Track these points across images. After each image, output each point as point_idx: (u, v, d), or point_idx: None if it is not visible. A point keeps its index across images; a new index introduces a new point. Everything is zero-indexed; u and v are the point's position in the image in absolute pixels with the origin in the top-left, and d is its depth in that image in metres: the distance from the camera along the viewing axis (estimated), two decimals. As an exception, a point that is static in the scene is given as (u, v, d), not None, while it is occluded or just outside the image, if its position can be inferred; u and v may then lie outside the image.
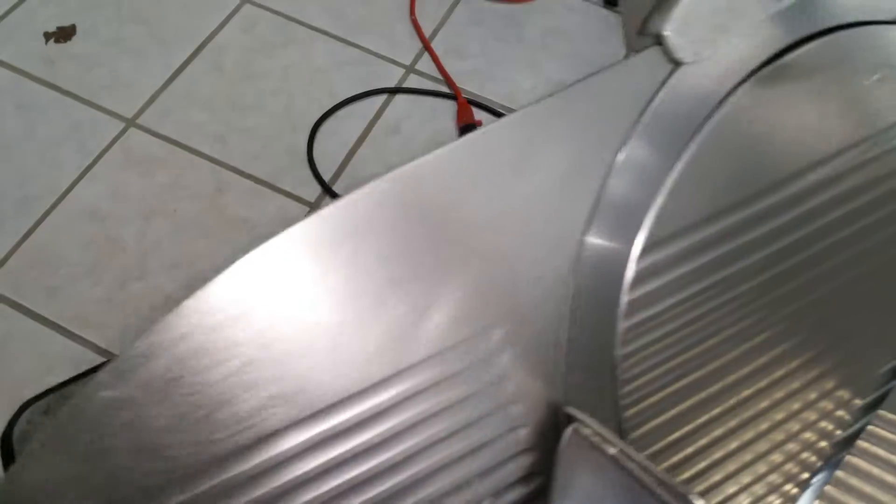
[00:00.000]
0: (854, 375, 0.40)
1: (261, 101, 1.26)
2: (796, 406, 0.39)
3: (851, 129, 0.34)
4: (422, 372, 0.31)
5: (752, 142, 0.33)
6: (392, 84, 1.31)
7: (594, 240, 0.31)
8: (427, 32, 1.38)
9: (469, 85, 1.31)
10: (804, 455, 0.40)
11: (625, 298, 0.32)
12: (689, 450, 0.36)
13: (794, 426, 0.39)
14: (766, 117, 0.33)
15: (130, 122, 1.23)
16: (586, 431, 0.31)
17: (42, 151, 1.19)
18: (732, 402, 0.37)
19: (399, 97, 1.30)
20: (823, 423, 0.40)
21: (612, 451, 0.30)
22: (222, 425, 0.31)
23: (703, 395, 0.35)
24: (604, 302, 0.32)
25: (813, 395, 0.38)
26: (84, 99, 1.25)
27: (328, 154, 1.22)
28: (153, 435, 0.30)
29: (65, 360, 1.01)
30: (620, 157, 0.31)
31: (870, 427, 0.41)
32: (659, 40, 0.30)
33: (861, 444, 0.41)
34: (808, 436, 0.40)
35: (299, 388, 0.32)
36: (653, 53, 0.30)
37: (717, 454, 0.37)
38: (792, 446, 0.39)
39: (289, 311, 0.31)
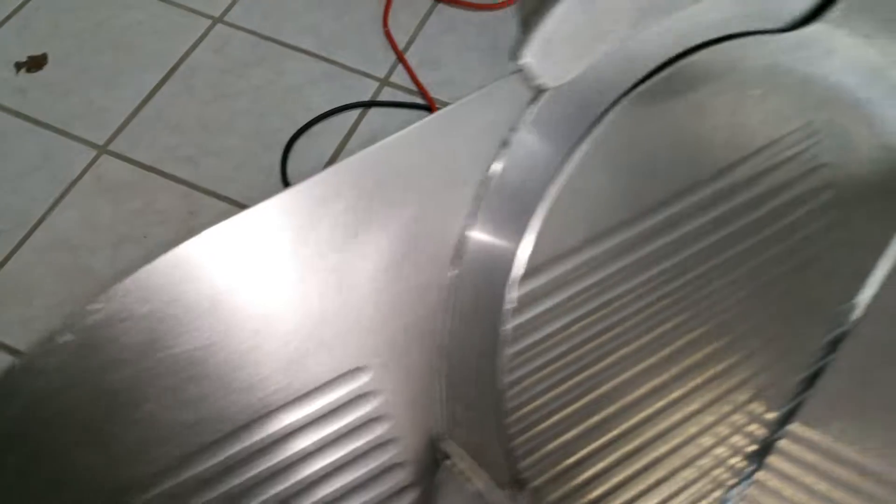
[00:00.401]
0: (765, 388, 0.38)
1: (233, 121, 1.25)
2: (709, 420, 0.37)
3: (738, 145, 0.32)
4: (306, 405, 0.30)
5: (633, 161, 0.31)
6: (367, 97, 1.30)
7: (476, 248, 0.30)
8: (401, 44, 1.37)
9: (444, 95, 1.30)
10: (716, 472, 0.38)
11: (507, 326, 0.30)
12: (588, 473, 0.34)
13: (707, 441, 0.37)
14: (645, 136, 0.31)
15: (102, 150, 1.22)
16: (460, 467, 0.29)
17: (14, 182, 1.18)
18: (633, 421, 0.35)
19: (374, 111, 1.29)
20: (736, 438, 0.38)
21: (478, 486, 0.28)
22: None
23: (597, 417, 0.33)
24: (485, 331, 0.30)
25: (726, 409, 0.37)
26: (56, 128, 1.24)
27: (303, 171, 1.21)
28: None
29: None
30: (485, 189, 0.29)
31: (781, 442, 0.40)
32: (521, 67, 0.29)
33: (772, 459, 0.39)
34: (721, 451, 0.38)
35: (196, 419, 0.30)
36: (518, 78, 0.29)
37: (620, 476, 0.35)
38: (704, 461, 0.37)
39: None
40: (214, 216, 1.14)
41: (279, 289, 0.30)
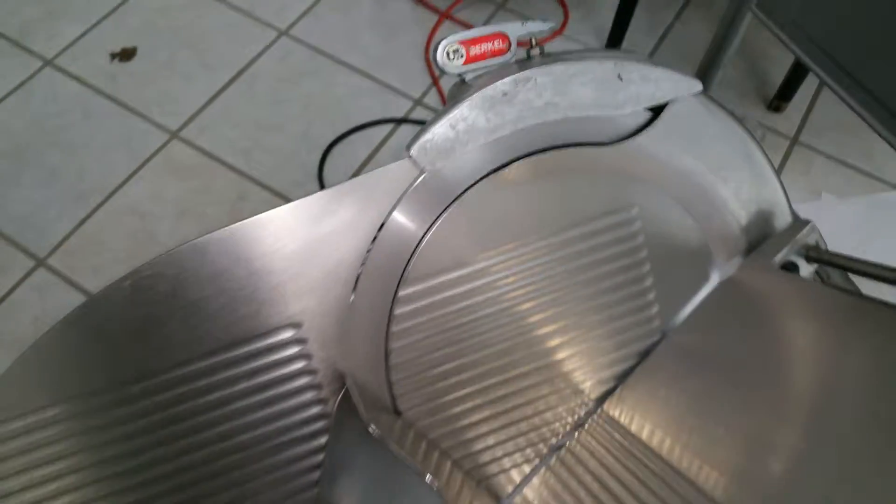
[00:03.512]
0: (589, 375, 0.57)
1: (284, 123, 1.47)
2: (545, 390, 0.55)
3: (572, 215, 0.52)
4: (254, 343, 0.49)
5: (489, 218, 0.50)
6: (400, 115, 1.50)
7: (374, 263, 0.49)
8: (438, 70, 1.56)
9: (467, 120, 1.49)
10: (543, 430, 0.57)
11: (394, 312, 0.50)
12: (453, 425, 0.54)
13: (541, 405, 0.56)
14: (497, 204, 0.51)
15: (174, 135, 1.45)
16: (355, 396, 0.49)
17: (98, 154, 1.42)
18: (487, 383, 0.53)
19: (405, 127, 1.49)
20: (561, 409, 0.57)
21: (370, 428, 0.47)
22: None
23: (460, 377, 0.52)
24: (376, 315, 0.50)
25: (559, 384, 0.55)
26: (137, 111, 1.47)
27: (336, 173, 1.42)
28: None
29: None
30: (384, 231, 0.49)
31: (591, 418, 0.58)
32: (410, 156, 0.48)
33: (584, 431, 0.57)
34: (548, 415, 0.56)
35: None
36: (406, 162, 0.49)
37: (471, 418, 0.54)
38: (535, 420, 0.56)
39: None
40: (259, 202, 1.36)
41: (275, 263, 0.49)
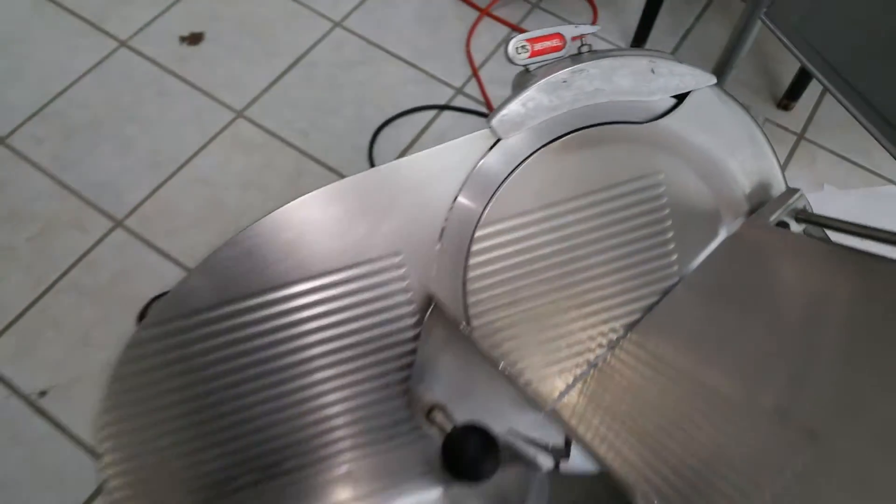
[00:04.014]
0: (620, 305, 0.71)
1: (338, 107, 1.62)
2: (584, 316, 0.70)
3: (611, 177, 0.68)
4: (365, 266, 0.64)
5: (547, 178, 0.65)
6: (443, 102, 1.65)
7: (458, 209, 0.64)
8: (477, 62, 1.72)
9: (503, 109, 1.64)
10: (582, 348, 0.72)
11: (471, 249, 0.65)
12: (513, 338, 0.69)
13: (580, 328, 0.71)
14: (553, 167, 0.66)
15: (239, 114, 1.60)
16: (440, 309, 0.64)
17: (171, 129, 1.57)
18: (539, 306, 0.68)
19: (447, 113, 1.64)
20: (596, 331, 0.71)
21: (461, 327, 0.62)
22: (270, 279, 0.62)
23: (518, 299, 0.67)
24: (458, 251, 0.65)
25: (597, 311, 0.70)
26: (206, 91, 1.63)
27: (384, 153, 1.57)
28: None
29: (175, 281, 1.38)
30: (466, 186, 0.64)
31: (621, 342, 0.74)
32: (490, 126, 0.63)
33: (613, 352, 0.73)
34: (586, 336, 0.71)
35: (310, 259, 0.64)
36: (486, 132, 0.63)
37: (530, 337, 0.69)
38: (580, 336, 0.71)
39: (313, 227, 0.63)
40: (317, 177, 1.52)
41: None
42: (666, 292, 0.74)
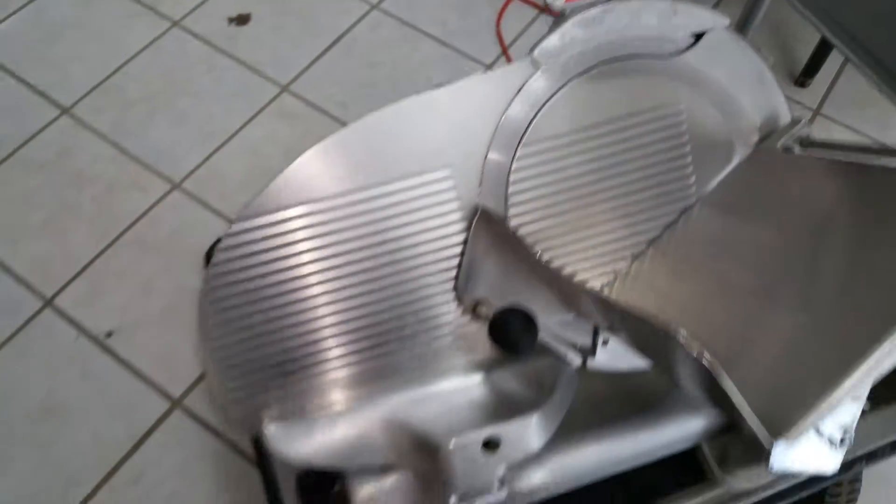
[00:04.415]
0: (643, 221, 0.80)
1: (376, 82, 1.73)
2: (611, 227, 0.80)
3: (636, 104, 0.77)
4: (420, 177, 0.74)
5: (578, 102, 0.75)
6: (474, 79, 1.75)
7: (502, 131, 0.75)
8: (507, 41, 1.82)
9: (531, 84, 1.74)
10: (609, 257, 0.80)
11: (513, 166, 0.75)
12: (549, 242, 0.79)
13: (607, 238, 0.80)
14: (586, 95, 0.75)
15: (284, 88, 1.72)
16: (492, 216, 0.74)
17: (221, 102, 1.69)
18: (572, 216, 0.78)
19: (478, 89, 1.74)
20: (621, 245, 0.80)
21: (510, 226, 0.72)
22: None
23: (556, 209, 0.77)
24: (502, 167, 0.75)
25: (623, 224, 0.79)
26: (253, 68, 1.74)
27: (420, 124, 1.67)
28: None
29: (228, 240, 1.50)
30: (509, 110, 0.74)
31: (643, 254, 0.82)
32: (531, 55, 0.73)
33: (636, 262, 0.83)
34: (613, 248, 0.79)
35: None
36: (528, 61, 0.73)
37: (566, 246, 0.79)
38: (606, 248, 0.80)
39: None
40: (357, 144, 1.62)
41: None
42: (684, 212, 0.83)
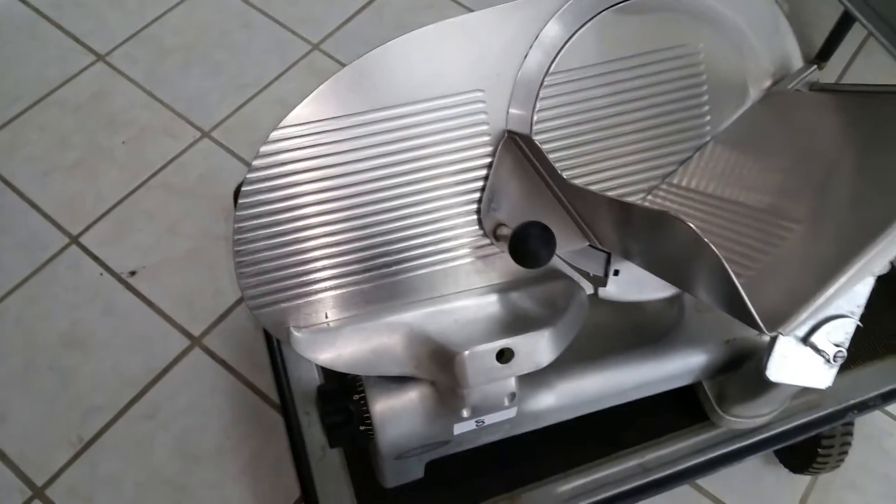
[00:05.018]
0: (659, 157, 0.83)
1: (406, 44, 1.75)
2: (630, 160, 0.82)
3: (660, 40, 0.79)
4: (452, 97, 0.76)
5: (604, 36, 0.78)
6: (502, 47, 1.77)
7: (531, 59, 0.77)
8: None
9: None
10: (624, 190, 0.83)
11: (540, 94, 0.77)
12: (570, 171, 0.82)
13: (624, 171, 0.82)
14: (615, 29, 0.77)
15: (315, 47, 1.75)
16: (520, 137, 0.76)
17: (256, 57, 1.72)
18: (594, 146, 0.80)
19: (506, 57, 1.76)
20: (637, 178, 0.82)
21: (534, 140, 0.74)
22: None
23: (579, 139, 0.79)
24: (531, 92, 0.77)
25: (642, 158, 0.81)
26: (286, 26, 1.77)
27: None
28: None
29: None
30: (539, 39, 0.76)
31: (659, 187, 0.84)
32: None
33: (649, 196, 0.85)
34: (629, 180, 0.81)
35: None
36: None
37: (586, 177, 0.81)
38: (622, 181, 0.83)
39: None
40: (384, 102, 1.65)
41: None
42: (698, 148, 0.85)
